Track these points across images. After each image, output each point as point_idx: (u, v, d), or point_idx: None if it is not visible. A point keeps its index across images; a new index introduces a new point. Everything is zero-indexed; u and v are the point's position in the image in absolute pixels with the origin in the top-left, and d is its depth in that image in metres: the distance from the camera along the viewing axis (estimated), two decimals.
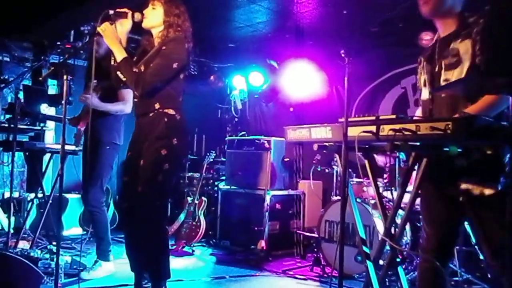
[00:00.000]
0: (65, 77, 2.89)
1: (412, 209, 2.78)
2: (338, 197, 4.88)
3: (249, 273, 4.73)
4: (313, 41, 6.11)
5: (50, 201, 4.69)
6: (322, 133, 2.57)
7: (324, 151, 2.68)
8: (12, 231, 4.43)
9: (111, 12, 3.02)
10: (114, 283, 3.99)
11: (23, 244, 4.69)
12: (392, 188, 4.45)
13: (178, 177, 6.61)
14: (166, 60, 3.01)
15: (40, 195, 5.01)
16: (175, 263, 4.84)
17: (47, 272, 3.73)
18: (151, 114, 3.07)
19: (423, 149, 2.23)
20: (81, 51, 4.87)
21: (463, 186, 2.21)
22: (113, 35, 3.03)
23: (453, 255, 2.72)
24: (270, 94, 6.95)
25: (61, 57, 6.20)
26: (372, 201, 4.57)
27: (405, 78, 5.75)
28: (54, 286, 2.86)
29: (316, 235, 4.95)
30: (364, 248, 2.66)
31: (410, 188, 2.68)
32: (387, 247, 2.51)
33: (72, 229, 6.11)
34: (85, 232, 5.86)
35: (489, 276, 3.77)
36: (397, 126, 2.10)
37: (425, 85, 2.47)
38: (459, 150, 2.01)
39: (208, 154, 6.19)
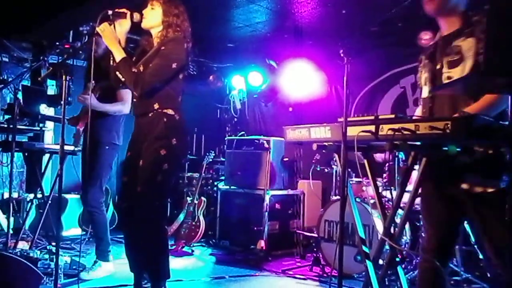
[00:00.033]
0: (64, 77, 2.89)
1: (412, 209, 2.79)
2: (338, 197, 4.88)
3: (249, 273, 4.73)
4: (312, 41, 6.11)
5: (49, 202, 4.68)
6: (321, 133, 2.57)
7: (324, 150, 2.68)
8: (11, 231, 4.42)
9: (110, 12, 3.02)
10: (113, 283, 3.98)
11: (23, 245, 4.68)
12: (392, 187, 4.44)
13: (178, 177, 6.61)
14: (165, 60, 3.01)
15: (39, 195, 5.01)
16: (174, 263, 4.84)
17: (47, 273, 3.73)
18: (150, 114, 3.07)
19: (422, 149, 2.23)
20: (80, 52, 4.87)
21: (465, 185, 2.21)
22: (112, 35, 3.03)
23: (453, 254, 2.73)
24: (269, 94, 6.96)
25: (60, 58, 6.20)
26: (372, 201, 4.57)
27: (404, 78, 5.76)
28: (53, 286, 2.86)
29: (316, 235, 4.95)
30: (364, 248, 2.66)
31: (409, 187, 2.68)
32: (387, 247, 2.51)
33: (72, 230, 6.11)
34: (84, 233, 5.85)
35: (488, 275, 3.78)
36: (396, 126, 2.10)
37: (426, 84, 2.47)
38: (458, 149, 2.01)
39: (207, 154, 6.19)
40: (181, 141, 3.13)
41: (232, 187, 6.04)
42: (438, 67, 2.38)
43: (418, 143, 2.16)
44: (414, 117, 2.37)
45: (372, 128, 2.24)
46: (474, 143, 2.08)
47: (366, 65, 5.62)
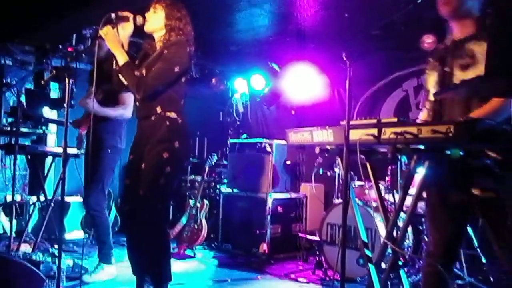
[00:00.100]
0: (67, 80, 2.90)
1: (414, 212, 2.78)
2: (340, 200, 4.88)
3: (251, 276, 4.72)
4: (314, 44, 6.11)
5: (52, 204, 4.69)
6: (323, 136, 2.57)
7: (326, 154, 2.68)
8: (14, 234, 4.43)
9: (113, 15, 3.03)
10: (116, 286, 3.99)
11: (25, 247, 4.69)
12: (394, 191, 4.44)
13: (180, 180, 6.61)
14: (168, 64, 3.01)
15: (42, 198, 5.02)
16: (176, 266, 4.84)
17: (49, 275, 3.73)
18: (152, 118, 3.08)
19: (425, 152, 2.23)
20: (83, 55, 4.87)
21: (476, 191, 2.20)
22: (115, 39, 3.04)
23: (457, 258, 2.72)
24: (272, 97, 6.96)
25: (63, 61, 6.23)
26: (374, 204, 4.56)
27: (407, 81, 5.75)
28: None
29: (318, 238, 4.94)
30: (366, 251, 2.66)
31: (412, 191, 2.67)
32: (389, 250, 2.51)
33: (74, 232, 6.11)
34: (87, 235, 5.86)
35: (491, 279, 3.76)
36: (398, 129, 2.10)
37: (434, 86, 2.47)
38: (461, 153, 2.00)
39: (210, 157, 6.18)
40: (184, 144, 3.13)
41: (234, 190, 6.04)
42: (448, 70, 2.37)
43: (421, 147, 2.16)
44: (417, 121, 2.37)
45: (374, 131, 2.24)
46: (477, 147, 2.07)
47: (368, 68, 5.61)
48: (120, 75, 3.06)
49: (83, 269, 4.18)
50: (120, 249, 4.82)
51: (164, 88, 3.05)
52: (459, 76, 2.30)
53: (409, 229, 4.39)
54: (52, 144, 6.51)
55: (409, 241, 4.45)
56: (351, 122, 2.34)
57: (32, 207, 5.50)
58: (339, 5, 4.99)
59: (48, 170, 5.11)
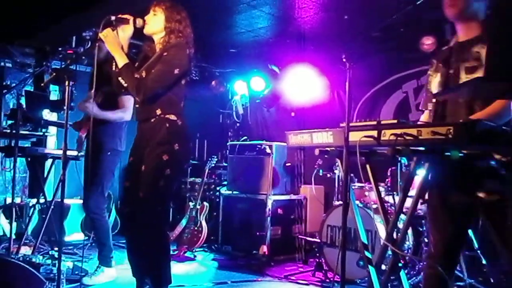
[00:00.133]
0: (67, 82, 2.91)
1: (414, 214, 2.78)
2: (340, 202, 4.88)
3: (251, 278, 4.72)
4: (314, 46, 6.12)
5: (52, 207, 4.69)
6: (323, 138, 2.57)
7: (326, 156, 2.68)
8: (14, 236, 4.43)
9: (113, 18, 3.03)
10: None
11: (25, 250, 4.68)
12: (394, 192, 4.44)
13: (180, 183, 6.61)
14: (168, 66, 3.01)
15: (42, 200, 5.02)
16: (177, 268, 4.84)
17: (49, 278, 3.72)
18: (152, 120, 3.08)
19: (425, 154, 2.23)
20: (83, 57, 4.88)
21: (481, 194, 2.19)
22: (115, 41, 3.04)
23: (459, 260, 2.71)
24: (272, 99, 6.96)
25: (63, 63, 6.22)
26: (374, 206, 4.56)
27: (407, 83, 5.75)
28: None
29: (318, 240, 4.94)
30: (366, 253, 2.66)
31: (412, 192, 2.68)
32: (389, 252, 2.50)
33: (74, 235, 6.11)
34: (87, 238, 5.85)
35: (492, 280, 3.76)
36: (398, 131, 2.10)
37: (437, 88, 2.46)
38: (460, 154, 2.01)
39: (209, 159, 6.19)
40: (184, 146, 3.13)
41: (234, 192, 6.04)
42: (452, 72, 2.37)
43: (421, 148, 2.16)
44: (418, 123, 2.37)
45: (374, 133, 2.24)
46: (477, 148, 2.07)
47: (368, 70, 5.62)
48: (119, 77, 3.06)
49: (83, 272, 4.17)
50: (120, 251, 4.82)
51: (164, 91, 3.05)
52: (464, 78, 2.30)
53: (409, 231, 4.39)
54: (52, 146, 6.52)
55: (409, 242, 4.45)
56: (351, 124, 2.34)
57: (32, 209, 5.49)
58: (339, 7, 5.00)
59: (48, 172, 5.11)
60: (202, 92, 7.23)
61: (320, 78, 6.19)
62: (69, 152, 3.18)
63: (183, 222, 5.80)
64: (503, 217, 2.12)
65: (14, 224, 5.19)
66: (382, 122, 2.27)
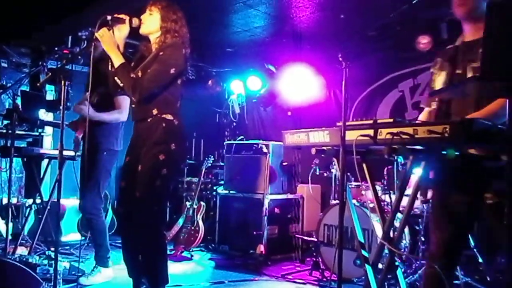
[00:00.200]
0: (63, 82, 2.90)
1: (411, 212, 2.79)
2: (337, 201, 4.88)
3: (248, 277, 4.72)
4: (310, 45, 6.12)
5: (48, 207, 4.67)
6: (320, 137, 2.58)
7: (322, 155, 2.69)
8: (10, 237, 4.41)
9: (109, 17, 3.02)
10: None
11: (22, 250, 4.67)
12: (391, 191, 4.45)
13: (176, 182, 6.61)
14: (164, 66, 3.01)
15: (38, 200, 5.00)
16: (173, 268, 4.83)
17: (46, 278, 3.71)
18: (149, 120, 3.07)
19: (421, 153, 2.23)
20: (79, 57, 4.87)
21: (488, 195, 2.19)
22: (111, 41, 3.03)
23: (460, 260, 2.70)
24: (268, 98, 6.97)
25: (59, 63, 6.21)
26: (371, 205, 4.57)
27: (403, 82, 5.76)
28: None
29: (315, 239, 4.94)
30: (363, 252, 2.66)
31: (408, 191, 2.68)
32: (386, 251, 2.51)
33: (71, 235, 6.09)
34: (83, 238, 5.84)
35: (488, 279, 3.77)
36: (394, 130, 2.11)
37: (442, 86, 2.46)
38: (456, 153, 2.01)
39: (206, 158, 6.19)
40: (180, 146, 3.13)
41: (231, 191, 6.04)
42: (459, 71, 2.37)
43: (417, 147, 2.16)
44: (414, 121, 2.38)
45: (370, 132, 2.24)
46: (473, 147, 2.08)
47: (364, 69, 5.63)
48: (116, 77, 3.05)
49: (80, 272, 4.16)
50: (117, 251, 4.81)
51: (160, 90, 3.05)
52: None
53: (406, 230, 4.40)
54: (48, 146, 6.50)
55: (406, 241, 4.46)
56: (347, 123, 2.35)
57: (28, 209, 5.47)
58: (335, 6, 5.00)
59: (44, 173, 5.10)
60: (199, 92, 7.23)
61: (317, 77, 6.19)
62: (65, 152, 3.17)
63: (180, 221, 5.80)
64: (502, 216, 2.12)
65: (11, 224, 5.18)
66: (379, 121, 2.28)
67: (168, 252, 3.54)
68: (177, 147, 3.06)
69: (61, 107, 2.92)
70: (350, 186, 4.85)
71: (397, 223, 3.15)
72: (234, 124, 7.44)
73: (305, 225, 5.94)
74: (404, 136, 2.06)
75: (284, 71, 6.39)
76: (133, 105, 3.23)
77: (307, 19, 5.45)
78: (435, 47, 5.02)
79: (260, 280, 4.66)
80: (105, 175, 4.22)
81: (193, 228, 5.69)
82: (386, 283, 2.87)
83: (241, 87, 7.27)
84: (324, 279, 4.61)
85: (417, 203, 4.25)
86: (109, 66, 3.09)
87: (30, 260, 4.07)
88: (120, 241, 3.31)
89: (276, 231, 5.65)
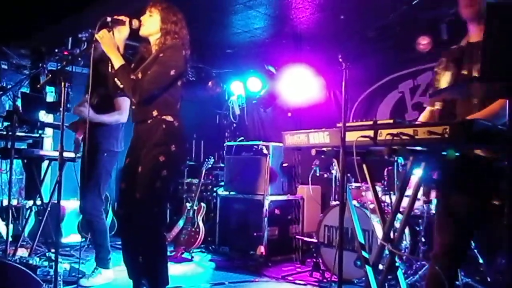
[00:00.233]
0: (63, 84, 2.90)
1: (411, 213, 2.78)
2: (337, 202, 4.88)
3: (248, 279, 4.72)
4: (310, 46, 6.12)
5: (49, 209, 4.67)
6: (320, 138, 2.58)
7: (322, 156, 2.69)
8: (10, 238, 4.41)
9: (109, 19, 3.02)
10: None
11: (22, 252, 4.67)
12: (391, 192, 4.45)
13: (177, 184, 6.60)
14: (164, 68, 3.01)
15: (38, 202, 5.00)
16: (174, 269, 4.83)
17: (46, 280, 3.72)
18: (149, 121, 3.07)
19: (421, 154, 2.23)
20: (79, 58, 4.87)
21: (496, 201, 2.19)
22: (111, 42, 3.03)
23: (464, 260, 2.69)
24: (268, 99, 6.97)
25: (59, 64, 6.22)
26: (371, 206, 4.57)
27: (403, 83, 5.76)
28: None
29: (315, 240, 4.94)
30: (363, 253, 2.66)
31: (408, 192, 2.68)
32: (386, 252, 2.51)
33: (71, 236, 6.09)
34: (84, 239, 5.84)
35: (488, 279, 3.77)
36: (394, 131, 2.10)
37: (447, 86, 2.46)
38: (456, 154, 2.01)
39: (206, 160, 6.18)
40: (180, 147, 3.12)
41: (231, 192, 6.04)
42: (465, 72, 2.37)
43: (417, 148, 2.16)
44: (414, 122, 2.38)
45: (370, 133, 2.24)
46: (474, 147, 2.08)
47: (364, 70, 5.63)
48: (116, 79, 3.05)
49: (80, 273, 4.16)
50: (117, 252, 4.80)
51: (160, 92, 3.05)
52: None
53: (406, 230, 4.40)
54: (48, 148, 6.51)
55: (406, 242, 4.46)
56: (347, 124, 2.35)
57: (28, 211, 5.48)
58: (335, 7, 5.01)
59: (45, 174, 5.10)
60: (199, 93, 7.23)
61: (317, 78, 6.19)
62: (65, 154, 3.17)
63: (180, 223, 5.79)
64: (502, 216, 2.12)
65: (11, 226, 5.18)
66: (379, 122, 2.28)
67: (169, 254, 3.54)
68: (177, 149, 3.06)
69: (61, 109, 2.91)
70: (350, 187, 4.85)
71: (397, 224, 3.15)
72: (234, 125, 7.44)
73: (305, 226, 5.94)
74: (404, 137, 2.06)
75: (284, 72, 6.39)
76: (133, 107, 3.23)
77: (307, 20, 5.46)
78: (435, 48, 5.02)
79: (261, 282, 4.65)
80: (106, 176, 4.22)
81: (193, 229, 5.69)
82: (386, 284, 2.86)
83: (241, 88, 7.27)
84: (325, 280, 4.61)
85: (417, 204, 4.25)
86: (109, 68, 3.09)
87: (30, 262, 4.07)
88: (120, 243, 3.31)
89: (277, 232, 5.64)
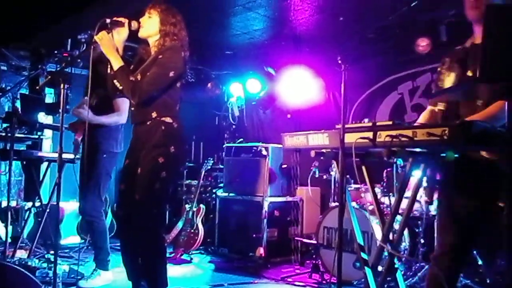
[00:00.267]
0: (62, 85, 2.90)
1: (410, 215, 2.78)
2: (336, 204, 4.88)
3: (248, 280, 4.71)
4: (310, 48, 6.13)
5: (48, 210, 4.67)
6: (319, 139, 2.58)
7: (322, 157, 2.69)
8: (9, 240, 4.40)
9: (108, 20, 3.03)
10: None
11: (21, 253, 4.66)
12: (390, 194, 4.45)
13: (176, 185, 6.60)
14: (163, 69, 3.01)
15: (37, 204, 5.00)
16: (173, 271, 4.83)
17: (45, 281, 3.72)
18: (148, 123, 3.07)
19: (420, 155, 2.23)
20: (78, 60, 4.87)
21: (501, 204, 2.18)
22: (110, 44, 3.04)
23: (467, 262, 2.68)
24: (268, 101, 6.97)
25: (58, 66, 6.22)
26: (370, 207, 4.57)
27: (402, 84, 5.77)
28: None
29: (315, 242, 4.94)
30: (363, 254, 2.66)
31: (408, 193, 2.68)
32: (386, 253, 2.51)
33: (70, 238, 6.09)
34: (83, 241, 5.83)
35: (488, 281, 3.77)
36: (394, 132, 2.10)
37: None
38: (456, 155, 2.01)
39: (206, 161, 6.18)
40: (179, 149, 3.12)
41: (230, 194, 6.03)
42: (470, 74, 2.36)
43: (417, 149, 2.16)
44: (413, 123, 2.38)
45: (370, 134, 2.24)
46: (472, 149, 2.08)
47: (363, 71, 5.63)
48: (115, 80, 3.06)
49: (79, 275, 4.16)
50: (116, 254, 4.80)
51: (159, 93, 3.05)
52: None
53: (405, 232, 4.40)
54: (47, 149, 6.49)
55: (405, 243, 4.46)
56: (347, 126, 2.35)
57: (27, 212, 5.47)
58: (334, 8, 5.01)
59: (44, 176, 5.09)
60: (198, 94, 7.23)
61: (316, 80, 6.20)
62: (64, 155, 3.17)
63: (180, 224, 5.79)
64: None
65: (10, 227, 5.17)
66: (378, 124, 2.28)
67: (168, 255, 3.54)
68: (176, 150, 3.06)
69: (60, 110, 2.92)
70: (349, 188, 4.86)
71: (396, 226, 3.15)
72: (234, 126, 7.44)
73: (304, 227, 5.94)
74: (403, 139, 2.06)
75: (283, 74, 6.39)
76: (132, 108, 3.23)
77: (306, 22, 5.46)
78: (434, 50, 5.03)
79: (260, 283, 4.65)
80: (105, 177, 4.21)
81: (192, 231, 5.69)
82: (385, 286, 2.87)
83: (240, 90, 7.27)
84: (324, 282, 4.61)
85: (416, 206, 4.26)
86: (108, 69, 3.09)
87: (29, 263, 4.06)
88: (119, 244, 3.31)
89: (276, 233, 5.64)
